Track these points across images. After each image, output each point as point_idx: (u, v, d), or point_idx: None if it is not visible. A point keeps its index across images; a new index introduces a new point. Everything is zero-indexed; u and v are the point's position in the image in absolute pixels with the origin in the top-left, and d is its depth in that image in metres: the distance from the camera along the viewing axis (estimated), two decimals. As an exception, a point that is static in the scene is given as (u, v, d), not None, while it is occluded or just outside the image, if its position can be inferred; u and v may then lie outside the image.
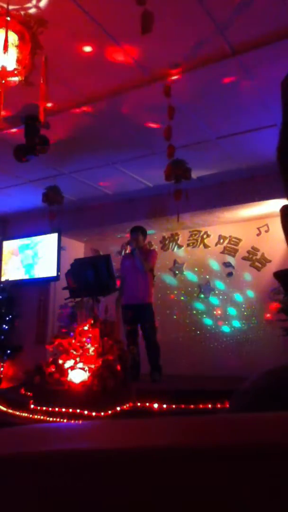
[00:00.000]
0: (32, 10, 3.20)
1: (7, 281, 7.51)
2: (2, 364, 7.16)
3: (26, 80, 3.32)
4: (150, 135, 4.92)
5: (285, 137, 0.43)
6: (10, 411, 4.76)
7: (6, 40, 3.00)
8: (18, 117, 4.57)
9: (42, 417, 4.42)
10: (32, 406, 4.63)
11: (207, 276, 7.07)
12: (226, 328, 6.84)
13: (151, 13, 2.71)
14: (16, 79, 3.27)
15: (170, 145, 4.02)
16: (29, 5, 3.18)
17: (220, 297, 6.98)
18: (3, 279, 7.63)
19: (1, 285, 7.45)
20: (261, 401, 0.39)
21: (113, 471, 0.24)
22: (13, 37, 3.16)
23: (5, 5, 3.03)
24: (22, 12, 3.21)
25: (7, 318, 7.22)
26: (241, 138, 5.04)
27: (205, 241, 7.20)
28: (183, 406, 4.32)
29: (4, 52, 2.98)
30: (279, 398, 0.38)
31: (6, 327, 7.18)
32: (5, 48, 2.98)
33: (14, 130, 4.87)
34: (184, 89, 4.04)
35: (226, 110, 4.51)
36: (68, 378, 4.59)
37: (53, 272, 7.19)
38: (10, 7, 3.07)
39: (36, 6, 3.18)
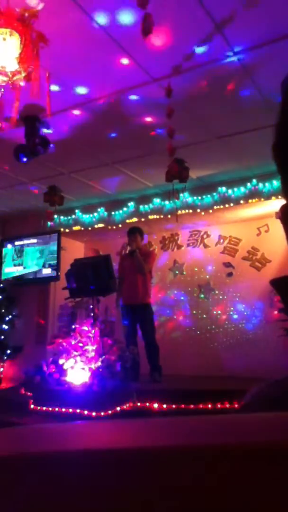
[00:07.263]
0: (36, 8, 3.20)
1: (7, 281, 7.51)
2: (2, 364, 7.16)
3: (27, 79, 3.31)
4: (150, 135, 4.92)
5: (283, 134, 0.43)
6: (10, 411, 4.76)
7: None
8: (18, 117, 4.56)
9: (42, 417, 4.43)
10: (32, 406, 4.63)
11: (207, 276, 7.07)
12: (226, 328, 6.84)
13: (151, 15, 2.76)
14: (19, 77, 3.26)
15: (171, 143, 4.01)
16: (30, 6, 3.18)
17: (220, 297, 6.98)
18: (3, 278, 7.63)
19: (1, 285, 7.45)
20: (264, 410, 0.38)
21: (113, 471, 0.24)
22: (16, 37, 3.16)
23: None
24: (26, 14, 3.21)
25: (7, 318, 7.21)
26: (241, 138, 5.04)
27: (205, 241, 7.20)
28: (183, 406, 4.32)
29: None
30: (282, 407, 0.37)
31: (6, 327, 7.17)
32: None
33: (14, 130, 4.86)
34: (184, 89, 4.04)
35: (226, 110, 4.51)
36: (68, 378, 4.59)
37: (53, 272, 7.20)
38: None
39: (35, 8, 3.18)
